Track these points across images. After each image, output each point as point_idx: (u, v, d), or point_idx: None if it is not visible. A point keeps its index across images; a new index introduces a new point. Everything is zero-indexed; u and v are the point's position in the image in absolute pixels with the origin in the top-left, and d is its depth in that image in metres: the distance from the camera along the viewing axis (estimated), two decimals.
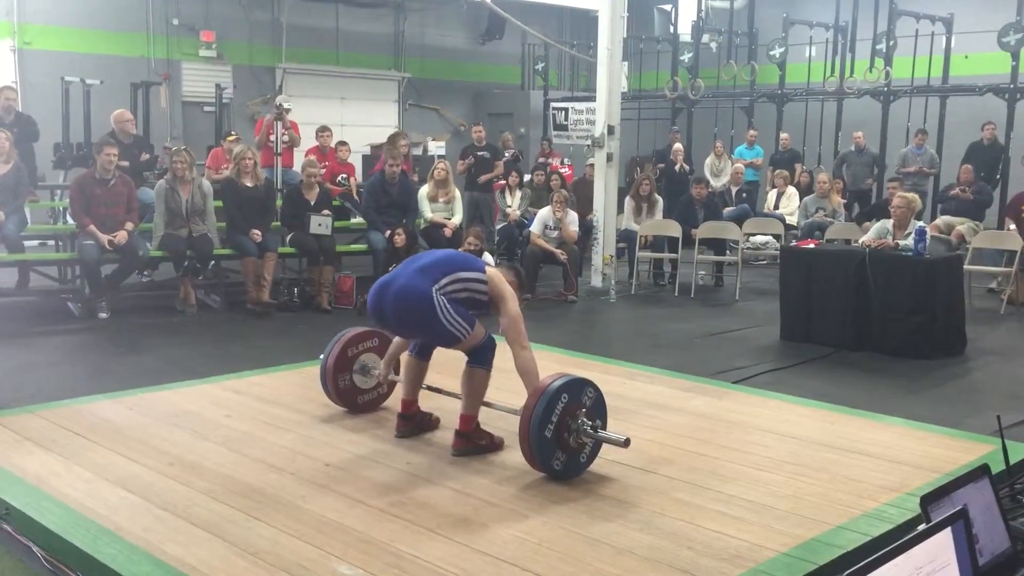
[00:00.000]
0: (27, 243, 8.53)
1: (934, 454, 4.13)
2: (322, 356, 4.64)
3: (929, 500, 2.10)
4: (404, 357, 4.39)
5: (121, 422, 4.43)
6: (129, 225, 7.85)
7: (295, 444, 4.17)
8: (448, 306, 3.91)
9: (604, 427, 3.85)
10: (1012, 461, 3.19)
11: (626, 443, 3.70)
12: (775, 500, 3.55)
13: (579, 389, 3.80)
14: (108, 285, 7.91)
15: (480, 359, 4.04)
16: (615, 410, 4.03)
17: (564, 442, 3.71)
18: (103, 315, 7.76)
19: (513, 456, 3.96)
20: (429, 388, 4.40)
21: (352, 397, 4.67)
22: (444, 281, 3.96)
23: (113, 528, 3.19)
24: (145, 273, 9.06)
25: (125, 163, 8.45)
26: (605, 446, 3.83)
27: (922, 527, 1.91)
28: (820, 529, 3.27)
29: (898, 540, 1.82)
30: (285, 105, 9.71)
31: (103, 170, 7.80)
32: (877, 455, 4.09)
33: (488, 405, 4.11)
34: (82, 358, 6.54)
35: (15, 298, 8.22)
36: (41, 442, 4.09)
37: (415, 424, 4.34)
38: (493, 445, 4.10)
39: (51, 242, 9.44)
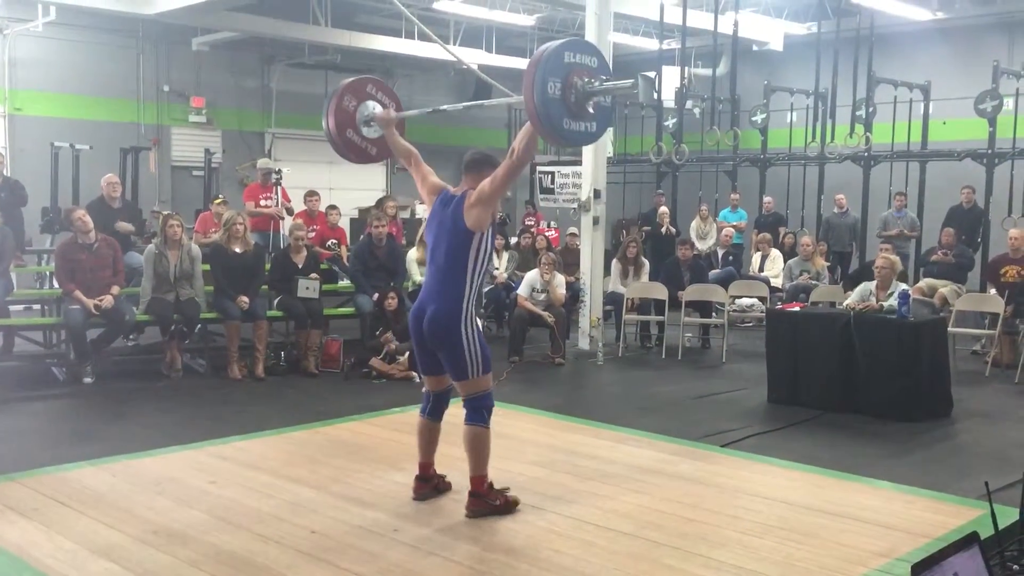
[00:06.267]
0: (12, 307, 8.50)
1: (923, 518, 4.12)
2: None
3: (920, 569, 2.10)
4: (417, 419, 4.35)
5: (104, 490, 4.38)
6: (115, 289, 7.83)
7: (280, 511, 4.12)
8: (476, 338, 4.02)
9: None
10: (1001, 526, 3.19)
11: (633, 85, 3.72)
12: (765, 566, 3.52)
13: (585, 52, 3.74)
14: (93, 349, 7.87)
15: (478, 416, 4.05)
16: (604, 475, 4.02)
17: (568, 97, 3.64)
18: (88, 380, 7.70)
19: (502, 522, 3.93)
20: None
21: (346, 124, 4.85)
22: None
23: None
24: (131, 337, 9.02)
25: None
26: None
27: None
28: None
29: None
30: (281, 168, 9.86)
31: (83, 234, 7.82)
32: (866, 519, 4.08)
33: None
34: (66, 424, 6.47)
35: None
36: (23, 511, 4.04)
37: (432, 486, 4.34)
38: (507, 506, 4.07)
39: (36, 306, 9.42)
